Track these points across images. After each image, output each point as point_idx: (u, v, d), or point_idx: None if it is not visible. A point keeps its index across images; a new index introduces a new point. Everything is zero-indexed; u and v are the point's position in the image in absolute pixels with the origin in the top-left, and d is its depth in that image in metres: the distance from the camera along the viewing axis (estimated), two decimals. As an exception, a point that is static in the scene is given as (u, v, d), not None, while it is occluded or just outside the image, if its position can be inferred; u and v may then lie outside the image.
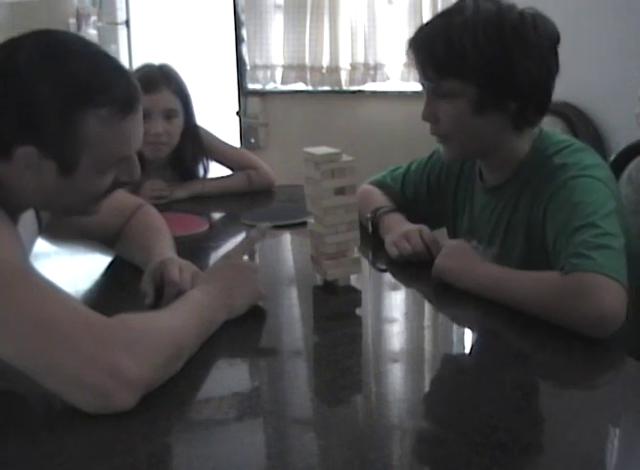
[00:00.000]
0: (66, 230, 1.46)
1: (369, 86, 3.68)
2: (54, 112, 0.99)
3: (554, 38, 1.32)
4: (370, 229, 1.59)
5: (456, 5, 1.36)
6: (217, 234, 1.84)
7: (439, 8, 3.44)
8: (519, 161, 1.37)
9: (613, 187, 1.27)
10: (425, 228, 1.46)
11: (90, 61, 1.03)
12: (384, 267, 1.46)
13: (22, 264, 0.96)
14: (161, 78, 2.00)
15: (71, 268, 1.52)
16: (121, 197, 1.52)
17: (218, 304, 1.12)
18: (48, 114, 0.99)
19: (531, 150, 1.36)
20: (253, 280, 1.22)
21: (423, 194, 1.62)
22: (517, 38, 1.27)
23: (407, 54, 1.37)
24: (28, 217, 1.19)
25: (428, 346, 1.20)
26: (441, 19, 1.33)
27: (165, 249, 1.34)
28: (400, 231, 1.47)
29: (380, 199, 1.66)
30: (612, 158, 1.76)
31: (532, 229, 1.32)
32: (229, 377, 1.05)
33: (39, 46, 1.01)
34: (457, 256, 1.31)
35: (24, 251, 1.12)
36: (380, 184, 1.70)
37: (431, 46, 1.30)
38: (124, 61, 3.81)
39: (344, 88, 3.70)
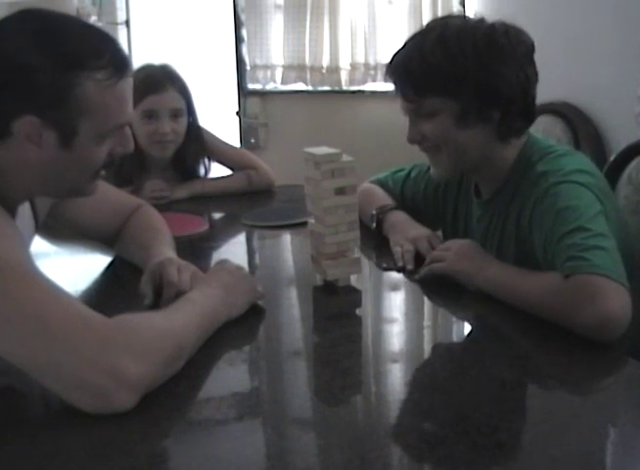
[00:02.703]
0: (64, 230, 1.46)
1: (369, 86, 3.68)
2: (50, 78, 0.99)
3: (528, 46, 1.32)
4: (373, 225, 1.59)
5: (425, 26, 1.38)
6: (217, 234, 1.84)
7: (439, 8, 3.45)
8: (507, 170, 1.37)
9: (598, 191, 1.25)
10: (433, 236, 1.47)
11: (77, 29, 1.05)
12: (386, 266, 1.46)
13: (23, 263, 0.96)
14: (166, 78, 2.01)
15: (71, 268, 1.52)
16: (121, 197, 1.52)
17: (218, 304, 1.12)
18: (45, 81, 0.99)
19: (517, 158, 1.36)
20: (250, 279, 1.23)
21: (420, 202, 1.63)
22: (489, 46, 1.28)
23: (386, 79, 1.38)
24: (25, 216, 1.19)
25: (428, 346, 1.20)
26: (413, 40, 1.34)
27: (165, 249, 1.34)
28: (409, 235, 1.47)
29: (383, 196, 1.67)
30: (612, 158, 1.76)
31: (522, 238, 1.32)
32: (229, 377, 1.05)
33: (25, 21, 1.03)
34: (468, 256, 1.31)
35: (26, 248, 1.11)
36: (381, 184, 1.71)
37: (407, 67, 1.31)
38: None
39: (344, 88, 3.70)
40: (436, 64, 1.28)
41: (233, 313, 1.15)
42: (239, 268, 1.24)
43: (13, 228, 1.04)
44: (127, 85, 1.08)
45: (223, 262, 1.25)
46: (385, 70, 1.38)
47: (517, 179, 1.35)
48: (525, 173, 1.33)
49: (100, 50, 1.04)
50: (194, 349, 1.02)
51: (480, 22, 1.32)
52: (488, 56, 1.28)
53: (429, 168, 1.60)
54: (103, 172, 1.14)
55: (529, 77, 1.32)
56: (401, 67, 1.33)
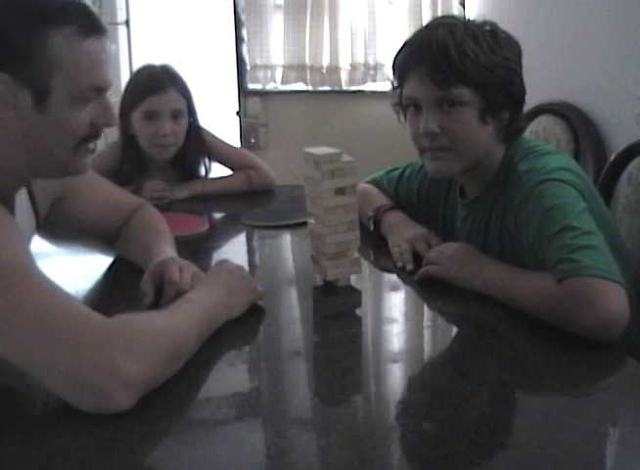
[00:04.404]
0: (65, 225, 1.46)
1: (369, 86, 3.69)
2: (19, 35, 1.01)
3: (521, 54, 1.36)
4: (372, 227, 1.59)
5: (438, 20, 1.39)
6: (217, 234, 1.84)
7: (439, 8, 3.45)
8: (494, 171, 1.37)
9: (582, 188, 1.26)
10: (431, 235, 1.46)
11: None
12: (384, 267, 1.46)
13: (23, 262, 0.96)
14: (167, 79, 2.01)
15: (71, 268, 1.52)
16: (122, 195, 1.53)
17: (218, 304, 1.12)
18: (13, 37, 1.01)
19: (503, 158, 1.37)
20: (250, 279, 1.23)
21: (413, 202, 1.63)
22: (508, 48, 1.32)
23: (407, 64, 1.35)
24: (24, 210, 1.19)
25: (428, 346, 1.20)
26: (440, 29, 1.32)
27: (166, 248, 1.34)
28: (406, 235, 1.47)
29: (380, 197, 1.67)
30: (612, 158, 1.77)
31: (505, 238, 1.33)
32: (229, 377, 1.05)
33: None
34: (464, 260, 1.31)
35: (27, 246, 1.11)
36: (377, 184, 1.72)
37: (445, 52, 1.29)
38: (124, 61, 3.81)
39: (344, 88, 3.70)
40: (471, 53, 1.28)
41: (233, 313, 1.15)
42: (239, 268, 1.24)
43: (13, 225, 1.04)
44: (99, 46, 1.08)
45: (223, 262, 1.25)
46: (408, 55, 1.35)
47: (500, 179, 1.35)
48: (509, 173, 1.34)
49: (65, 7, 1.05)
50: (194, 348, 1.02)
51: (493, 24, 1.34)
52: (509, 56, 1.31)
53: (421, 168, 1.60)
54: (92, 146, 1.13)
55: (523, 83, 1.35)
56: (439, 50, 1.30)
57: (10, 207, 1.09)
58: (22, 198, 1.19)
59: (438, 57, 1.30)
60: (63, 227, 1.47)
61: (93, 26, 1.07)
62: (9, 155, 1.06)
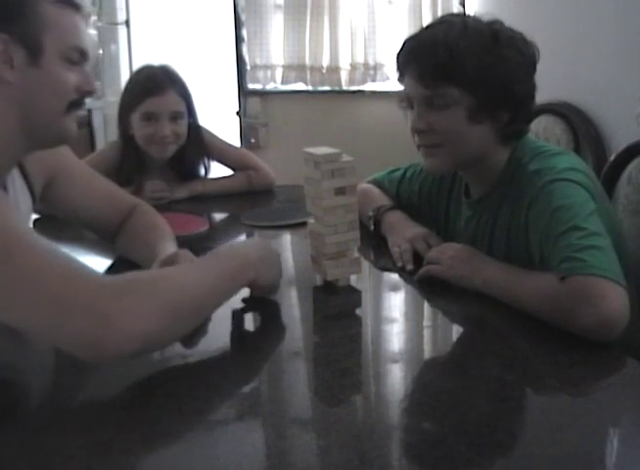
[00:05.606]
0: (61, 214, 1.48)
1: (369, 86, 3.69)
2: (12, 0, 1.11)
3: (537, 54, 1.34)
4: (372, 227, 1.59)
5: (443, 18, 1.39)
6: (217, 234, 1.84)
7: (439, 8, 3.45)
8: (499, 171, 1.37)
9: (592, 189, 1.26)
10: (431, 235, 1.46)
11: None
12: (384, 267, 1.46)
13: (17, 225, 0.97)
14: (166, 80, 2.01)
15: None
16: (116, 189, 1.54)
17: (245, 263, 1.11)
18: (8, 1, 1.11)
19: (509, 159, 1.36)
20: (280, 268, 1.23)
21: (415, 203, 1.63)
22: (510, 48, 1.30)
23: (401, 63, 1.36)
24: (20, 193, 1.22)
25: (428, 346, 1.20)
26: (437, 28, 1.33)
27: (170, 247, 1.34)
28: (406, 235, 1.47)
29: (380, 197, 1.67)
30: (612, 158, 1.77)
31: (513, 238, 1.32)
32: (229, 377, 1.04)
33: None
34: (465, 260, 1.31)
35: (19, 215, 1.13)
36: (378, 184, 1.72)
37: (433, 53, 1.29)
38: (124, 61, 3.82)
39: (344, 88, 3.71)
40: (462, 53, 1.28)
41: (256, 278, 1.13)
42: (275, 254, 1.23)
43: (4, 200, 1.07)
44: (79, 18, 1.17)
45: (265, 243, 1.24)
46: (402, 54, 1.36)
47: (507, 180, 1.35)
48: (516, 174, 1.33)
49: None
50: (211, 304, 1.02)
51: (499, 22, 1.34)
52: (509, 56, 1.30)
53: (421, 170, 1.60)
54: (81, 112, 1.19)
55: (534, 84, 1.34)
56: (426, 50, 1.30)
57: (1, 185, 1.12)
58: (14, 181, 1.22)
59: (426, 58, 1.31)
60: (59, 214, 1.48)
61: (71, 1, 1.16)
62: (3, 126, 1.10)
